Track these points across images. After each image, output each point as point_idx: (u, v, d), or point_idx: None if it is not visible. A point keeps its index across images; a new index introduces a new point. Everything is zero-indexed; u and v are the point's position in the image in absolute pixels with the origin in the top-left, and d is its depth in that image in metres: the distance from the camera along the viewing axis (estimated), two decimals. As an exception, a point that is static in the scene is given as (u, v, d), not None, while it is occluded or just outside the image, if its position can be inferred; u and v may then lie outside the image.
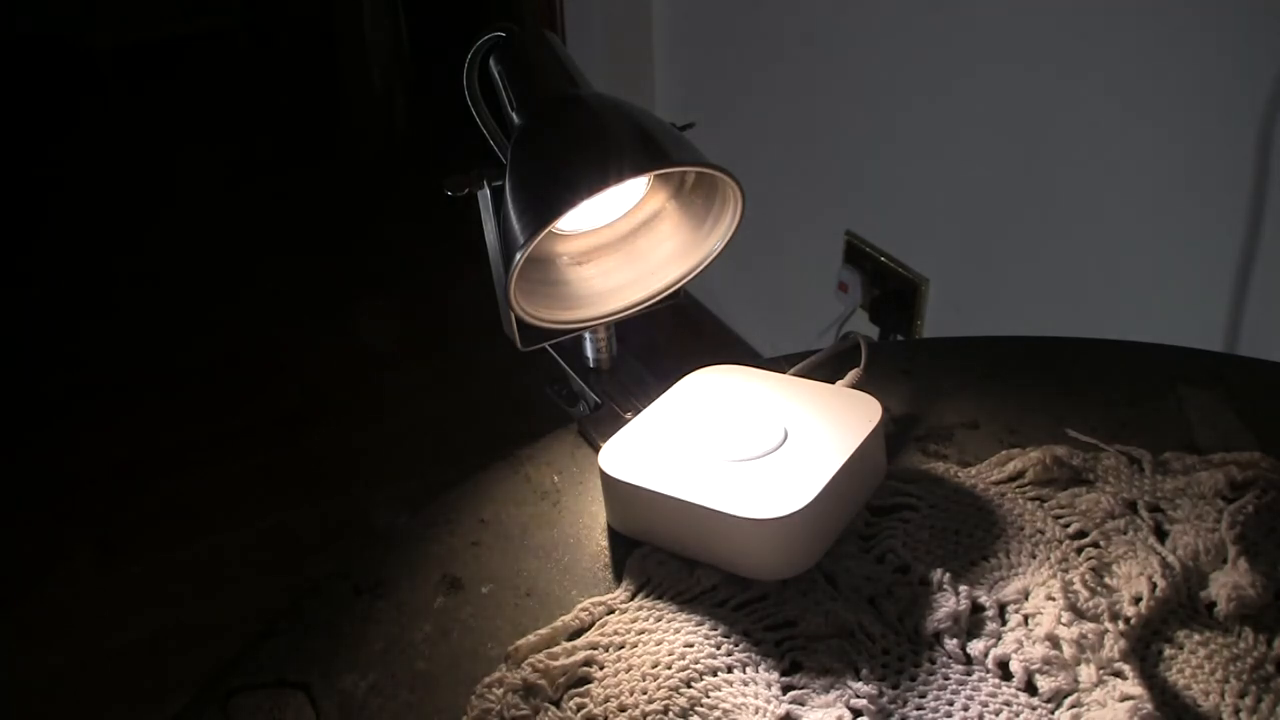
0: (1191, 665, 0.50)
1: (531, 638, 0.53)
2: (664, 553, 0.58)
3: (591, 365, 0.73)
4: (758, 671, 0.51)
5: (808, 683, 0.50)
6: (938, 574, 0.55)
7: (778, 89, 1.75)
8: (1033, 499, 0.60)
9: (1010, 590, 0.54)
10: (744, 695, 0.50)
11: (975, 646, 0.52)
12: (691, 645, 0.52)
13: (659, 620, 0.54)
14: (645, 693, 0.50)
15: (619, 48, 2.04)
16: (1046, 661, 0.50)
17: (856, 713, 0.49)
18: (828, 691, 0.50)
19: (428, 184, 0.82)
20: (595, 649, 0.53)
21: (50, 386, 2.14)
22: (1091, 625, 0.51)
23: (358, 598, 0.57)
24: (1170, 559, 0.55)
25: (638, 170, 0.58)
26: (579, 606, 0.55)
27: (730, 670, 0.51)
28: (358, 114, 3.34)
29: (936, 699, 0.49)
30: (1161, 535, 0.58)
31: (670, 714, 0.49)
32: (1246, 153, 1.04)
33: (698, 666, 0.51)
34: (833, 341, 0.74)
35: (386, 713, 0.51)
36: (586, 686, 0.51)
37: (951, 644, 0.52)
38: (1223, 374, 0.71)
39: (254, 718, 0.51)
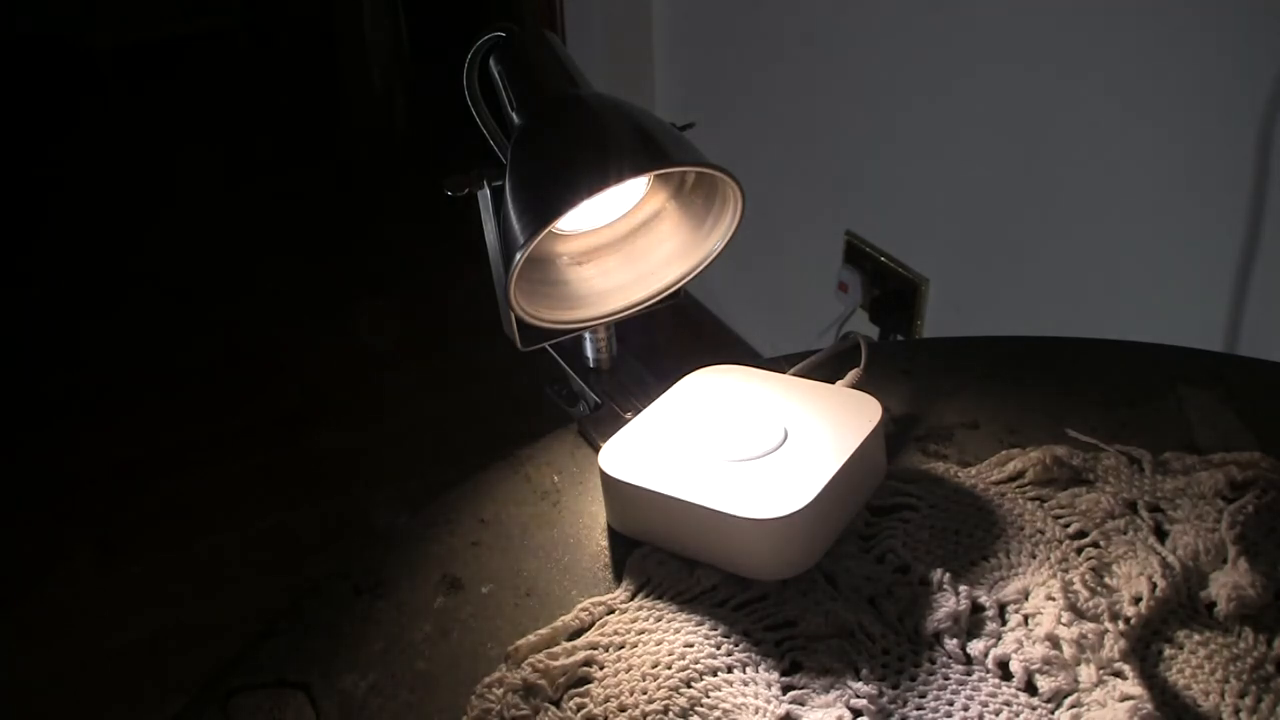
0: (1191, 665, 0.50)
1: (531, 638, 0.53)
2: (664, 553, 0.58)
3: (591, 365, 0.73)
4: (758, 671, 0.51)
5: (808, 683, 0.50)
6: (938, 574, 0.55)
7: (778, 89, 1.75)
8: (1033, 499, 0.60)
9: (1010, 590, 0.54)
10: (744, 695, 0.50)
11: (975, 646, 0.52)
12: (691, 645, 0.52)
13: (659, 620, 0.54)
14: (645, 693, 0.50)
15: (619, 48, 2.04)
16: (1046, 661, 0.50)
17: (856, 713, 0.49)
18: (828, 691, 0.50)
19: (428, 184, 0.82)
20: (595, 649, 0.53)
21: (50, 386, 2.14)
22: (1091, 625, 0.51)
23: (358, 598, 0.57)
24: (1170, 559, 0.55)
25: (638, 170, 0.58)
26: (579, 606, 0.55)
27: (730, 670, 0.51)
28: (358, 114, 3.34)
29: (936, 699, 0.49)
30: (1161, 535, 0.58)
31: (670, 714, 0.49)
32: (1246, 153, 1.04)
33: (698, 666, 0.51)
34: (833, 341, 0.74)
35: (386, 713, 0.51)
36: (586, 686, 0.51)
37: (951, 644, 0.52)
38: (1223, 374, 0.71)
39: (254, 718, 0.51)
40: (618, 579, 0.58)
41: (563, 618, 0.55)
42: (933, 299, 1.53)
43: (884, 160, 1.55)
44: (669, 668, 0.51)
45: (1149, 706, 0.47)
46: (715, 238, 0.66)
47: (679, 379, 0.67)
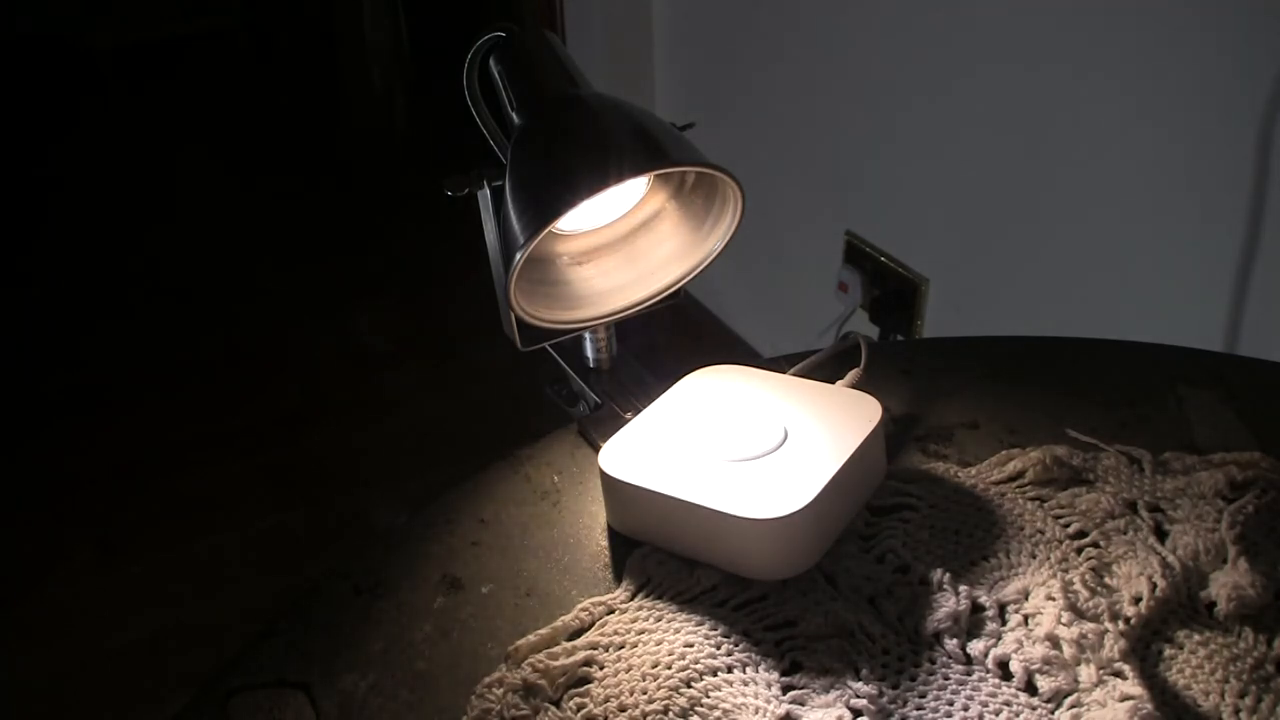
0: (1191, 665, 0.50)
1: (531, 638, 0.53)
2: (664, 553, 0.58)
3: (591, 365, 0.73)
4: (758, 671, 0.51)
5: (808, 683, 0.50)
6: (938, 574, 0.55)
7: (778, 89, 1.75)
8: (1033, 499, 0.60)
9: (1010, 590, 0.54)
10: (744, 695, 0.50)
11: (975, 646, 0.52)
12: (691, 645, 0.52)
13: (659, 620, 0.54)
14: (645, 693, 0.50)
15: (619, 48, 2.04)
16: (1046, 661, 0.50)
17: (856, 713, 0.49)
18: (828, 691, 0.50)
19: (428, 184, 0.82)
20: (595, 649, 0.53)
21: (50, 386, 2.14)
22: (1091, 625, 0.51)
23: (358, 598, 0.57)
24: (1170, 559, 0.55)
25: (638, 170, 0.58)
26: (579, 606, 0.55)
27: (730, 670, 0.51)
28: (358, 114, 3.34)
29: (936, 699, 0.49)
30: (1161, 535, 0.58)
31: (670, 714, 0.49)
32: (1246, 153, 1.04)
33: (698, 666, 0.51)
34: (833, 341, 0.74)
35: (386, 713, 0.51)
36: (586, 686, 0.51)
37: (951, 644, 0.52)
38: (1223, 374, 0.71)
39: (254, 718, 0.51)
40: (618, 579, 0.58)
41: (563, 618, 0.55)
42: (933, 299, 1.53)
43: (884, 160, 1.55)
44: (669, 668, 0.51)
45: (1149, 706, 0.47)
46: (715, 238, 0.66)
47: (679, 379, 0.67)
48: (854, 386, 0.67)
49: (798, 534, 0.55)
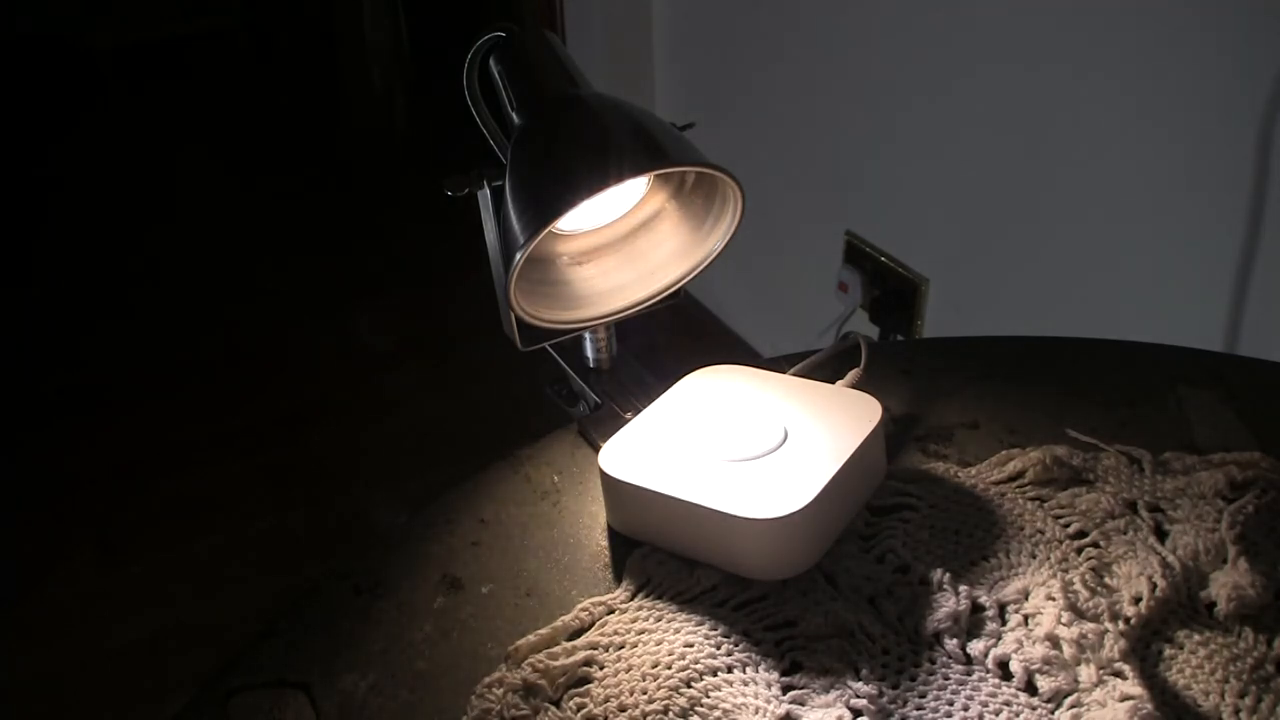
0: (1191, 665, 0.50)
1: (531, 638, 0.53)
2: (664, 553, 0.58)
3: (591, 365, 0.73)
4: (758, 671, 0.51)
5: (808, 683, 0.50)
6: (938, 574, 0.55)
7: (778, 89, 1.75)
8: (1033, 499, 0.60)
9: (1010, 590, 0.54)
10: (744, 695, 0.50)
11: (975, 646, 0.52)
12: (691, 645, 0.52)
13: (659, 620, 0.54)
14: (645, 693, 0.50)
15: (619, 48, 2.04)
16: (1046, 661, 0.50)
17: (856, 713, 0.49)
18: (828, 691, 0.50)
19: (428, 184, 0.82)
20: (595, 649, 0.53)
21: (50, 386, 2.14)
22: (1091, 625, 0.51)
23: (358, 598, 0.57)
24: (1170, 559, 0.55)
25: (638, 170, 0.58)
26: (579, 606, 0.55)
27: (730, 670, 0.51)
28: (358, 114, 3.34)
29: (936, 699, 0.49)
30: (1161, 535, 0.58)
31: (670, 714, 0.49)
32: (1246, 153, 1.04)
33: (698, 666, 0.51)
34: (833, 341, 0.74)
35: (386, 713, 0.51)
36: (586, 686, 0.51)
37: (951, 644, 0.52)
38: (1223, 374, 0.71)
39: (254, 718, 0.51)
40: (618, 579, 0.58)
41: (563, 618, 0.55)
42: (933, 299, 1.53)
43: (884, 160, 1.55)
44: (669, 668, 0.51)
45: (1149, 706, 0.47)
46: (715, 238, 0.66)
47: (679, 379, 0.67)
48: (854, 386, 0.67)
49: (798, 534, 0.55)
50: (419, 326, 2.27)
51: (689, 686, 0.50)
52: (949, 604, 0.53)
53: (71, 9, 3.61)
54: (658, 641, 0.53)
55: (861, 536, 0.59)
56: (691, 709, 0.49)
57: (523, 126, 0.62)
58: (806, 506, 0.54)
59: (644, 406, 0.65)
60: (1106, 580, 0.55)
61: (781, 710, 0.49)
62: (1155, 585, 0.54)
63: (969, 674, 0.51)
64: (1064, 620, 0.51)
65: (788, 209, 1.76)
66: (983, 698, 0.49)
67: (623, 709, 0.50)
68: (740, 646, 0.52)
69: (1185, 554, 0.56)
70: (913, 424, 0.68)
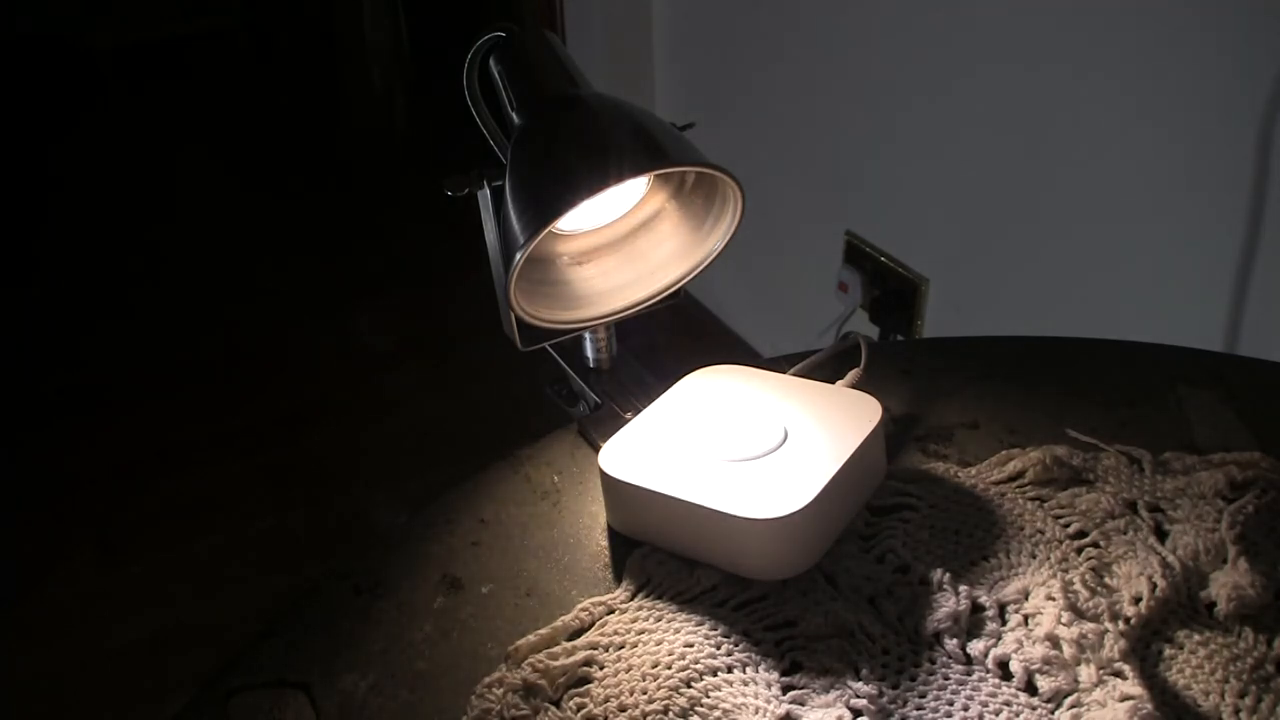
0: (1191, 665, 0.50)
1: (531, 638, 0.53)
2: (664, 553, 0.58)
3: (591, 365, 0.73)
4: (758, 671, 0.51)
5: (808, 683, 0.50)
6: (938, 574, 0.55)
7: (778, 89, 1.75)
8: (1033, 499, 0.60)
9: (1010, 590, 0.54)
10: (744, 695, 0.50)
11: (975, 646, 0.52)
12: (691, 645, 0.52)
13: (659, 620, 0.54)
14: (645, 693, 0.50)
15: (619, 48, 2.04)
16: (1046, 661, 0.50)
17: (856, 713, 0.49)
18: (828, 691, 0.50)
19: (428, 184, 0.82)
20: (595, 649, 0.53)
21: (50, 386, 2.14)
22: (1091, 625, 0.51)
23: (358, 598, 0.57)
24: (1170, 559, 0.55)
25: (638, 170, 0.58)
26: (579, 606, 0.55)
27: (730, 670, 0.51)
28: (358, 114, 3.34)
29: (936, 699, 0.49)
30: (1161, 535, 0.58)
31: (670, 714, 0.49)
32: (1246, 153, 1.04)
33: (698, 666, 0.51)
34: (833, 341, 0.74)
35: (386, 713, 0.51)
36: (586, 686, 0.51)
37: (951, 644, 0.52)
38: (1223, 374, 0.71)
39: (254, 718, 0.51)
40: (618, 579, 0.58)
41: (563, 618, 0.55)
42: (933, 299, 1.53)
43: (884, 160, 1.55)
44: (669, 668, 0.51)
45: (1149, 706, 0.47)
46: (715, 238, 0.66)
47: (679, 379, 0.67)
48: (854, 386, 0.67)
49: (798, 534, 0.55)
50: (419, 326, 2.27)
51: (689, 686, 0.50)
52: (949, 604, 0.53)
53: (71, 9, 3.61)
54: (658, 641, 0.53)
55: (861, 536, 0.59)
56: (691, 709, 0.49)
57: (523, 126, 0.62)
58: (806, 506, 0.54)
59: (644, 406, 0.65)
60: (1106, 580, 0.55)
61: (781, 710, 0.49)
62: (1155, 585, 0.54)
63: (969, 674, 0.51)
64: (1064, 620, 0.51)
65: (788, 209, 1.76)
66: (983, 698, 0.49)
67: (623, 709, 0.50)
68: (740, 646, 0.52)
69: (1185, 554, 0.56)
70: (913, 424, 0.68)
